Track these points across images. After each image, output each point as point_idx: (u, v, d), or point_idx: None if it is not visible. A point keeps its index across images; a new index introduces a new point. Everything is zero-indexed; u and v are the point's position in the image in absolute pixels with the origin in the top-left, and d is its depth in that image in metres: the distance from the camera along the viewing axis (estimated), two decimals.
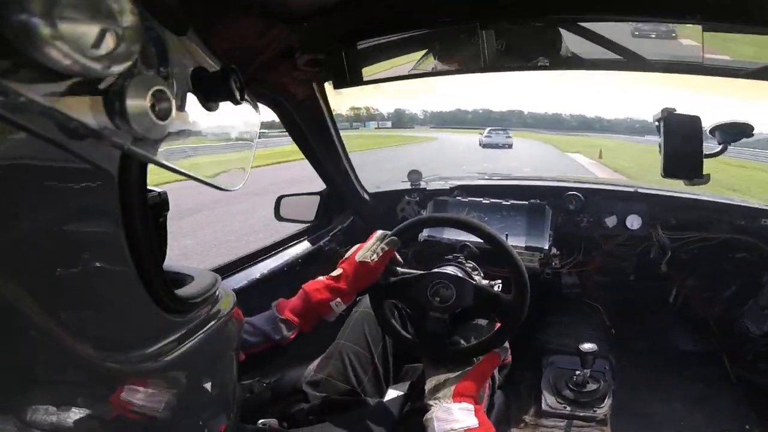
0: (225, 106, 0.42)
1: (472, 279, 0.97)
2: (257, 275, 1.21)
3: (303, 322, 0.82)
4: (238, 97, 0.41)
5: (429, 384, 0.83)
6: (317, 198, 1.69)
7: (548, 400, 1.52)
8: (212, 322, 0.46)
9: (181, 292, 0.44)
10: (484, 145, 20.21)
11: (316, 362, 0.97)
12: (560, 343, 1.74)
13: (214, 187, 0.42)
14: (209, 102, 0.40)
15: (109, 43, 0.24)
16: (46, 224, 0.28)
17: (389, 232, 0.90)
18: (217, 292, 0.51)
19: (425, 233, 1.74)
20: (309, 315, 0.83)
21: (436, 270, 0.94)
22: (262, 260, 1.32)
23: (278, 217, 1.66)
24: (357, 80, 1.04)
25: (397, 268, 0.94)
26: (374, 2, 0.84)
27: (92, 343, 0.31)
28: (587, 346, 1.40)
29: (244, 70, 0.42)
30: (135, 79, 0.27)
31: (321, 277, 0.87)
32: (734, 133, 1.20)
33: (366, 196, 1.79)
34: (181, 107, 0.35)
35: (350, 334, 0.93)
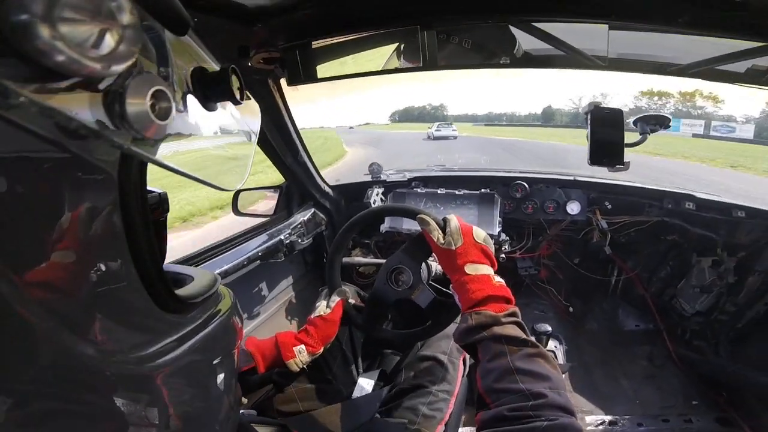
0: (225, 105, 0.42)
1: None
2: (217, 269, 1.20)
3: (262, 359, 0.86)
4: (238, 97, 0.41)
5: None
6: (276, 192, 1.70)
7: None
8: (212, 322, 0.46)
9: (181, 292, 0.44)
10: (435, 137, 22.18)
11: None
12: None
13: (214, 188, 0.42)
14: (209, 102, 0.40)
15: (109, 43, 0.24)
16: (46, 224, 0.28)
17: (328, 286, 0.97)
18: (217, 292, 0.51)
19: (386, 225, 1.84)
20: (270, 354, 0.87)
21: (381, 269, 0.96)
22: (220, 254, 1.30)
23: (236, 212, 1.64)
24: (311, 77, 1.09)
25: (360, 258, 0.98)
26: (326, 4, 0.87)
27: (92, 344, 0.31)
28: (542, 327, 1.48)
29: None
30: (135, 79, 0.27)
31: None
32: (654, 123, 1.32)
33: (327, 189, 1.82)
34: (181, 107, 0.35)
35: None
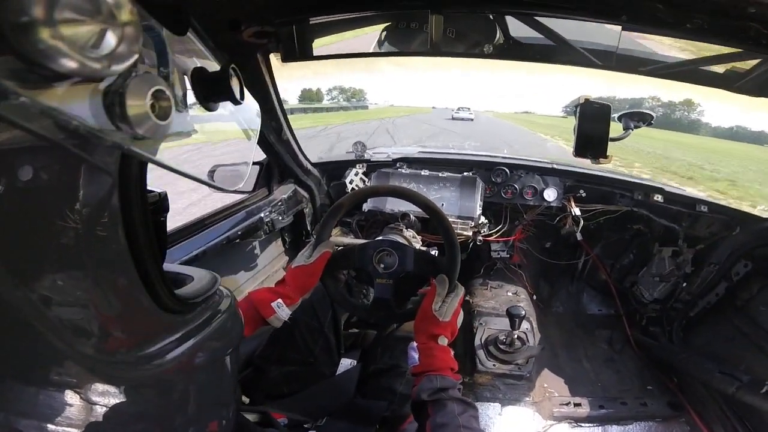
0: (225, 105, 0.42)
1: (412, 245, 1.04)
2: (195, 250, 1.16)
3: (244, 323, 0.85)
4: (238, 97, 0.41)
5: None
6: (256, 168, 1.64)
7: (481, 359, 1.63)
8: (212, 322, 0.46)
9: (181, 292, 0.44)
10: (453, 118, 27.66)
11: (266, 336, 1.00)
12: (489, 306, 1.93)
13: (215, 188, 0.42)
14: (209, 101, 0.40)
15: (109, 43, 0.24)
16: (46, 224, 0.28)
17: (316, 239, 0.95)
18: (217, 292, 0.51)
19: (369, 204, 1.84)
20: (249, 315, 0.83)
21: (379, 238, 1.00)
22: (196, 233, 1.25)
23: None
24: (306, 55, 1.06)
25: (343, 239, 0.98)
26: None
27: (93, 343, 0.31)
28: (516, 310, 1.54)
29: None
30: (135, 79, 0.27)
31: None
32: (637, 120, 1.37)
33: (309, 166, 1.80)
34: (181, 107, 0.35)
35: (299, 308, 0.93)
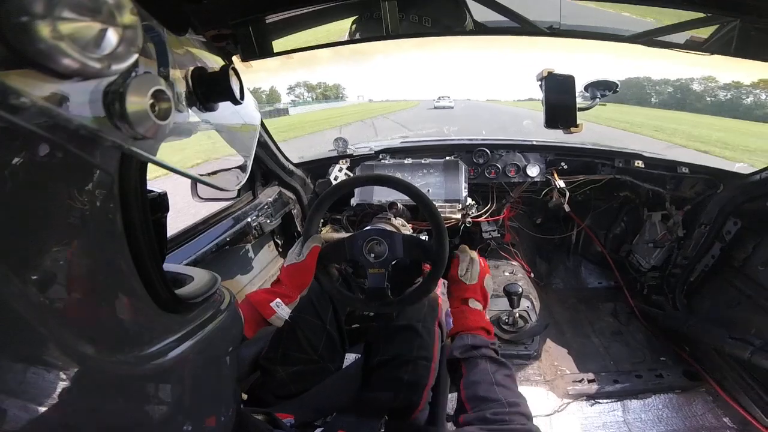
0: (225, 105, 0.42)
1: (400, 232, 1.02)
2: (185, 260, 1.15)
3: (245, 325, 0.84)
4: (238, 97, 0.41)
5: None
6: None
7: None
8: (212, 322, 0.46)
9: (181, 292, 0.44)
10: (435, 107, 28.99)
11: (269, 338, 1.00)
12: None
13: (215, 188, 0.42)
14: (209, 102, 0.40)
15: (109, 42, 0.24)
16: (46, 224, 0.28)
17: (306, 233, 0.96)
18: (217, 292, 0.51)
19: (357, 198, 1.84)
20: (250, 317, 0.84)
21: (367, 228, 0.99)
22: (185, 243, 1.24)
23: (197, 197, 1.54)
24: (266, 52, 1.08)
25: (333, 234, 0.98)
26: None
27: (93, 343, 0.31)
28: (512, 288, 1.54)
29: None
30: (135, 79, 0.27)
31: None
32: (603, 88, 1.41)
33: (291, 167, 1.80)
34: (181, 107, 0.35)
35: (299, 307, 0.93)
